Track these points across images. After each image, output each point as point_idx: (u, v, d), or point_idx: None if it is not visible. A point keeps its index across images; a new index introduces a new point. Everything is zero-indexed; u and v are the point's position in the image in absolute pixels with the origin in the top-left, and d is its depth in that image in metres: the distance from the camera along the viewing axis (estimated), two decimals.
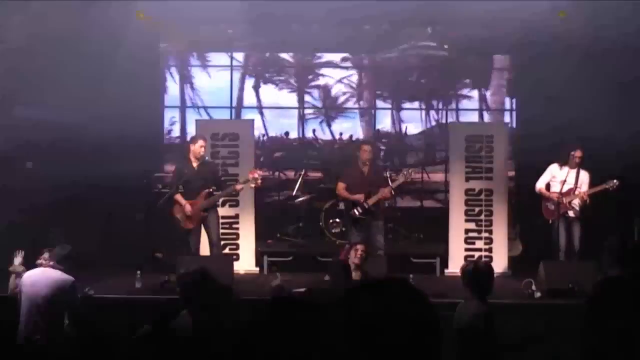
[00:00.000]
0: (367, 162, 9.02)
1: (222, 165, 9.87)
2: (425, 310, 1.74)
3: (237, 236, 9.96)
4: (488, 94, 12.83)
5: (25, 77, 9.85)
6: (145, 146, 11.07)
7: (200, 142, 8.78)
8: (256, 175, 8.82)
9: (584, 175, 8.95)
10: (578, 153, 8.88)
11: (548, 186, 9.08)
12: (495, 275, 4.98)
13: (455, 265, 9.82)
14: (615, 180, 8.62)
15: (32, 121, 10.06)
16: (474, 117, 12.76)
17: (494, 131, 10.28)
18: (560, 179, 8.94)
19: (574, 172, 8.93)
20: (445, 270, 9.86)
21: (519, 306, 7.58)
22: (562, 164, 9.00)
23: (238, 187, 8.86)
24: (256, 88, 12.84)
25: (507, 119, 12.77)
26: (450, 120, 12.71)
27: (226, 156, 10.06)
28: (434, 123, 12.93)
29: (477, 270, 4.87)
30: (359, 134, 12.85)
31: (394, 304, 1.72)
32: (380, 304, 1.72)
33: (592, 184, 8.89)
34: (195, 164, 8.78)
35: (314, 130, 12.85)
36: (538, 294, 7.92)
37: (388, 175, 9.22)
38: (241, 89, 12.82)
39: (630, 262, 4.83)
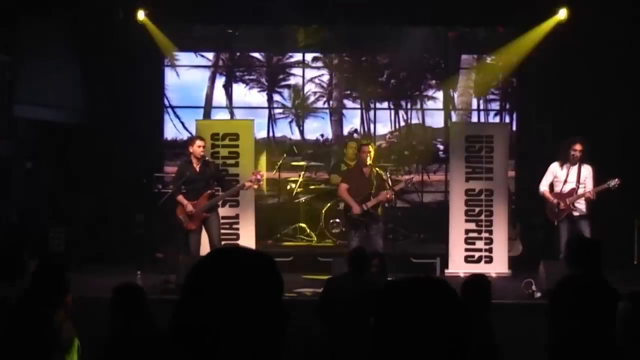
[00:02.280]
0: (367, 162, 9.00)
1: (222, 165, 9.87)
2: (458, 309, 1.75)
3: (238, 236, 9.95)
4: (455, 94, 12.90)
5: (26, 77, 9.86)
6: (145, 146, 11.07)
7: (198, 142, 8.75)
8: (259, 177, 8.82)
9: (586, 170, 8.68)
10: (578, 146, 8.60)
11: (552, 186, 8.88)
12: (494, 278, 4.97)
13: (455, 266, 9.83)
14: (616, 179, 8.49)
15: (32, 121, 10.08)
16: (439, 118, 12.84)
17: (494, 131, 10.27)
18: (562, 179, 8.72)
19: (575, 168, 8.68)
20: (446, 271, 9.85)
21: (519, 306, 7.58)
22: (563, 161, 8.74)
23: (247, 184, 8.85)
24: (227, 87, 12.86)
25: (474, 119, 12.90)
26: (415, 121, 12.84)
27: (226, 156, 10.05)
28: (402, 123, 12.99)
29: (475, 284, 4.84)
30: (329, 133, 12.91)
31: (428, 302, 1.74)
32: (414, 302, 1.74)
33: (595, 178, 8.69)
34: (196, 165, 8.77)
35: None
36: (538, 294, 7.91)
37: (388, 177, 9.18)
38: (211, 88, 12.83)
39: (582, 260, 4.90)
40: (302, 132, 12.87)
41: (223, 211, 9.47)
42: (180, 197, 8.69)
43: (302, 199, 11.36)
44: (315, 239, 10.94)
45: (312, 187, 11.59)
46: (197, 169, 8.74)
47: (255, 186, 8.94)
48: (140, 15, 10.58)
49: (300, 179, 11.54)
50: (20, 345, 4.18)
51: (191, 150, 8.77)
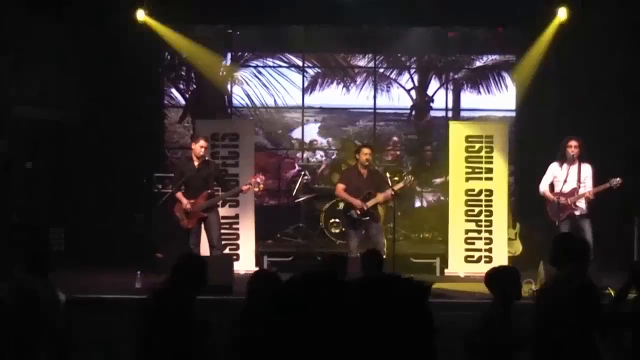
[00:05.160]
0: (366, 164, 9.00)
1: (222, 165, 9.87)
2: (418, 307, 1.74)
3: (237, 236, 9.96)
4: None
5: (26, 77, 9.87)
6: (145, 146, 11.06)
7: (201, 143, 8.78)
8: (258, 180, 8.82)
9: (586, 169, 8.67)
10: (573, 143, 8.59)
11: (552, 186, 8.86)
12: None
13: (455, 266, 9.84)
14: (618, 179, 8.47)
15: (32, 121, 10.08)
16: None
17: (494, 131, 10.26)
18: (562, 178, 8.70)
19: (574, 167, 8.66)
20: (445, 271, 9.85)
21: (519, 306, 7.56)
22: (561, 161, 8.72)
23: (245, 187, 8.85)
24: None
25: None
26: None
27: (226, 156, 10.06)
28: None
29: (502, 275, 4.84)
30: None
31: (390, 299, 1.73)
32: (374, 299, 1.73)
33: (595, 177, 8.70)
34: (196, 164, 8.79)
35: None
36: None
37: (387, 177, 9.17)
38: None
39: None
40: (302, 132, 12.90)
41: (223, 211, 9.48)
42: (179, 194, 8.72)
43: (302, 198, 11.34)
44: (315, 239, 10.93)
45: (313, 186, 11.58)
46: (197, 168, 8.75)
47: (255, 189, 8.95)
48: (140, 15, 10.56)
49: (301, 179, 11.53)
50: (164, 331, 4.32)
51: (193, 147, 8.80)
